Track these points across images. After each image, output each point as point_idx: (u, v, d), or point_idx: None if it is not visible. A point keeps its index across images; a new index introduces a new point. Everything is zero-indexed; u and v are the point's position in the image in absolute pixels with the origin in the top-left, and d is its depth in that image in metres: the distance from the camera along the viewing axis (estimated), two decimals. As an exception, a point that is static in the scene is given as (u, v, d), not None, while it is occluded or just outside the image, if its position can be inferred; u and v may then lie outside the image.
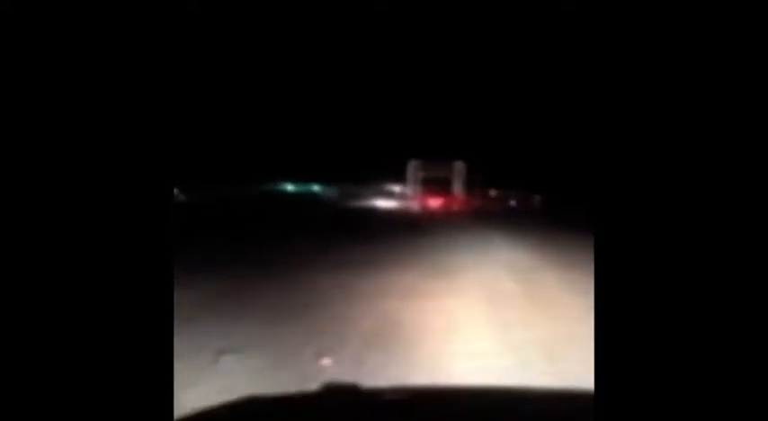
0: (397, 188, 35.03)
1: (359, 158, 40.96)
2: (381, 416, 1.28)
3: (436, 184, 30.38)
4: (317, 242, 12.30)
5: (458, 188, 31.01)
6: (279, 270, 8.60)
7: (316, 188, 42.30)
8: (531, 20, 39.33)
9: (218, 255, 10.22)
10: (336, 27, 41.99)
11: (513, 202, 35.49)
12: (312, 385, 1.61)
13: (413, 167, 30.89)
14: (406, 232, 15.29)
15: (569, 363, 4.10)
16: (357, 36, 41.67)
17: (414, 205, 30.11)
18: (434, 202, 30.29)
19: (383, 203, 33.16)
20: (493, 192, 36.80)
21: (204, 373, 3.95)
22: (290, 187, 42.46)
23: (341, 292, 6.85)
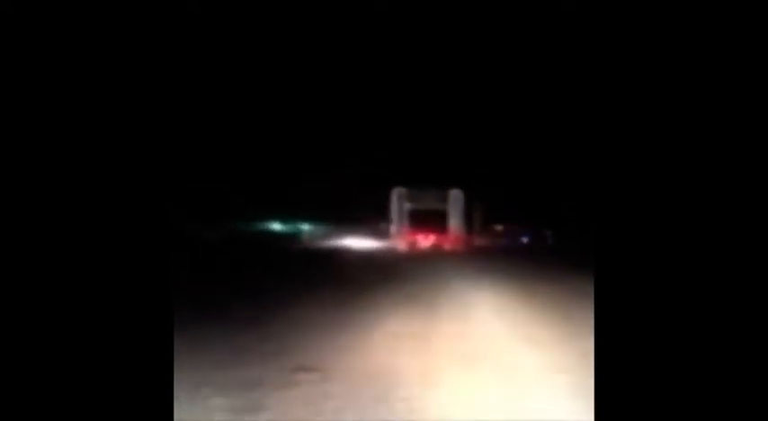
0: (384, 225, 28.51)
1: (341, 193, 34.61)
2: None
3: (427, 218, 24.05)
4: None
5: (455, 223, 24.59)
6: None
7: (299, 227, 36.18)
8: (535, 29, 33.78)
9: None
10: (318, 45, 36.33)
11: (524, 239, 28.90)
12: None
13: (397, 197, 24.54)
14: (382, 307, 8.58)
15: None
16: (341, 53, 35.96)
17: (399, 245, 23.57)
18: (425, 241, 23.86)
19: (361, 243, 26.41)
20: (498, 227, 30.23)
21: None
22: (270, 226, 36.44)
23: None
